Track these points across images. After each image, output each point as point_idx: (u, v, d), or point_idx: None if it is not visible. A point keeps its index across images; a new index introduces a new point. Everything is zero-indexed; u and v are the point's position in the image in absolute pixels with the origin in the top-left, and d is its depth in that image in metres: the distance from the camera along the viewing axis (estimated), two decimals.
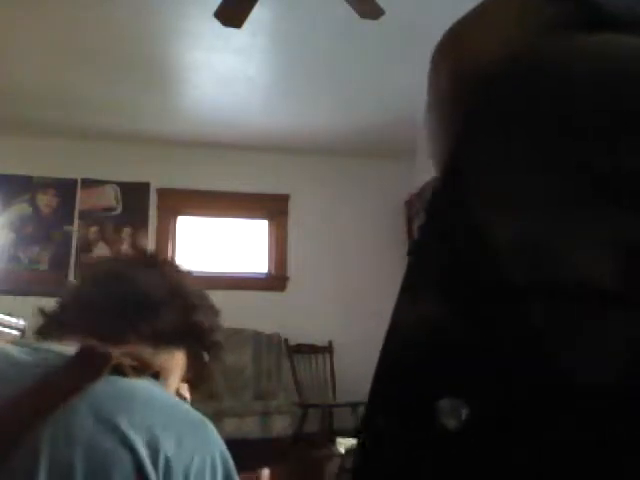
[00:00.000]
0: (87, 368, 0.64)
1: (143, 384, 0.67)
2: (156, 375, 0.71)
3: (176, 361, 0.83)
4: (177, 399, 0.71)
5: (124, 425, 0.60)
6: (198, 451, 0.63)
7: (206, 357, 0.87)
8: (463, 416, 0.23)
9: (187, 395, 0.90)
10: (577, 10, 0.28)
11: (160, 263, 0.88)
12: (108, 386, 0.64)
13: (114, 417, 0.61)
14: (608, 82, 0.25)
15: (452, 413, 0.23)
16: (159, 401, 0.66)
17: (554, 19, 0.29)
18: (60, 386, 0.63)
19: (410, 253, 0.27)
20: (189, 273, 0.91)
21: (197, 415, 0.68)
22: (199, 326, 0.84)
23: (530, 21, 0.30)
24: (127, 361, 0.67)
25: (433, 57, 0.35)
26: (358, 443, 0.26)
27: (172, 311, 0.81)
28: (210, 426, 0.68)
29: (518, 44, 0.28)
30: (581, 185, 0.24)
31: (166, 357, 0.80)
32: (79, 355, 0.66)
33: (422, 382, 0.25)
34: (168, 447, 0.61)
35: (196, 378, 0.86)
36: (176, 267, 0.89)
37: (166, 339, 0.80)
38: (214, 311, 0.90)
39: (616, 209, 0.23)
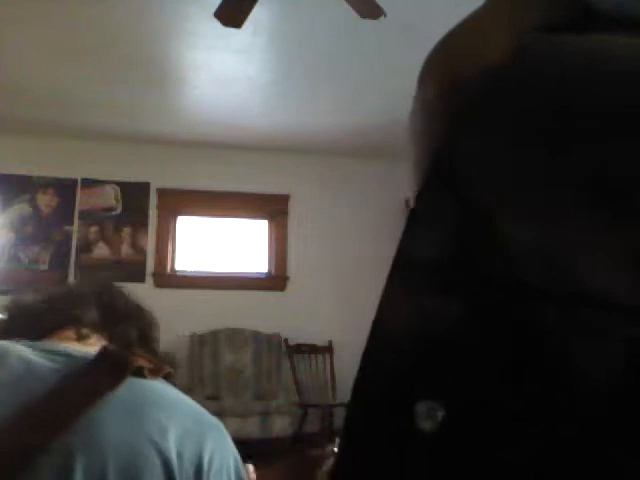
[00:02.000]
0: (109, 371, 0.65)
1: (162, 387, 0.68)
2: (167, 376, 0.72)
3: None
4: (191, 400, 0.72)
5: (151, 427, 0.61)
6: (216, 456, 0.65)
7: None
8: (439, 418, 0.23)
9: None
10: (566, 11, 0.28)
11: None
12: (130, 389, 0.64)
13: (140, 419, 0.62)
14: (604, 82, 0.25)
15: (428, 415, 0.23)
16: (180, 404, 0.68)
17: (545, 21, 0.29)
18: (84, 390, 0.63)
19: (401, 243, 0.27)
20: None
21: (213, 419, 0.69)
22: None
23: (522, 23, 0.30)
24: (145, 363, 0.68)
25: (423, 68, 0.35)
26: (339, 445, 0.26)
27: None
28: (225, 430, 0.69)
29: (511, 46, 0.28)
30: (581, 189, 0.24)
31: None
32: (99, 358, 0.66)
33: (403, 383, 0.25)
34: (193, 448, 0.63)
35: None
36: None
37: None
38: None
39: (617, 217, 0.23)
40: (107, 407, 0.61)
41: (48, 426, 0.59)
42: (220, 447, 0.66)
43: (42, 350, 0.69)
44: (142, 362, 0.67)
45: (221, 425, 0.69)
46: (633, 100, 0.24)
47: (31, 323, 0.77)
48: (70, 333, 0.75)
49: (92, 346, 0.72)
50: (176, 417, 0.64)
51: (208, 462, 0.63)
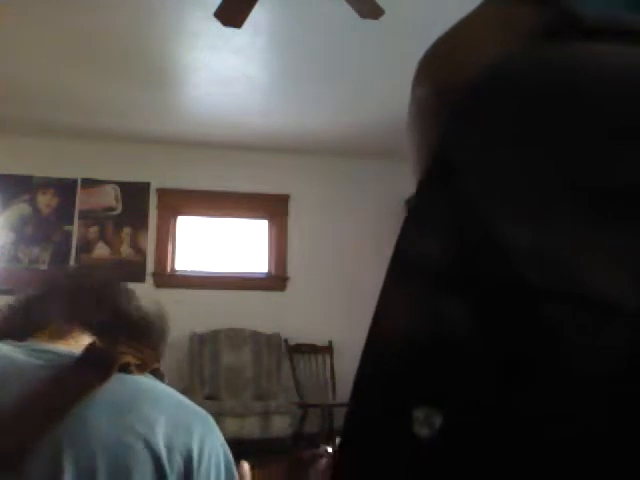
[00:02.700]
0: (95, 368, 0.65)
1: (149, 381, 0.69)
2: (155, 371, 0.73)
3: None
4: (178, 393, 0.72)
5: (138, 421, 0.62)
6: (206, 444, 0.65)
7: None
8: (436, 425, 0.22)
9: None
10: (557, 21, 0.29)
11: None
12: (118, 385, 0.65)
13: (128, 414, 0.62)
14: (602, 89, 0.25)
15: (425, 422, 0.23)
16: (168, 398, 0.68)
17: (536, 30, 0.29)
18: (71, 387, 0.63)
19: (398, 244, 0.27)
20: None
21: (201, 410, 0.70)
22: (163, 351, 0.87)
23: (512, 33, 0.30)
24: (132, 359, 0.68)
25: (417, 70, 0.35)
26: (338, 448, 0.26)
27: (155, 328, 0.84)
28: (212, 420, 0.70)
29: (501, 55, 0.28)
30: (581, 190, 0.24)
31: None
32: (86, 355, 0.67)
33: (401, 389, 0.24)
34: (182, 442, 0.63)
35: None
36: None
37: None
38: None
39: (616, 218, 0.23)
40: (94, 404, 0.62)
41: (35, 424, 0.59)
42: (208, 437, 0.67)
43: (28, 348, 0.69)
44: (129, 358, 0.68)
45: (208, 416, 0.70)
46: (629, 105, 0.24)
47: (20, 322, 0.77)
48: (56, 331, 0.75)
49: (78, 343, 0.72)
50: (163, 410, 0.65)
51: (198, 453, 0.64)
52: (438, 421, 0.22)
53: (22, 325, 0.77)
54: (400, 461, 0.23)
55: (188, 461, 0.63)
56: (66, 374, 0.65)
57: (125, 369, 0.67)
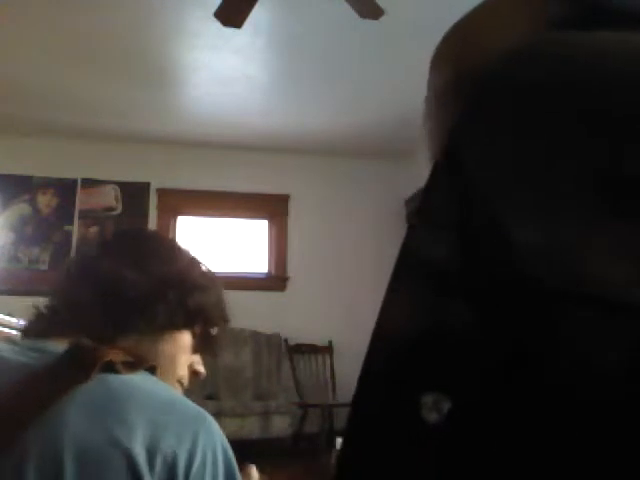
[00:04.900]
0: (77, 367, 0.62)
1: (138, 381, 0.66)
2: (152, 369, 0.70)
3: (179, 344, 0.80)
4: (174, 393, 0.69)
5: (116, 425, 0.59)
6: (199, 445, 0.62)
7: (214, 331, 0.84)
8: (445, 410, 0.23)
9: (201, 369, 0.88)
10: (578, 8, 0.28)
11: (148, 241, 0.84)
12: (99, 385, 0.62)
13: (105, 417, 0.60)
14: (607, 80, 0.25)
15: (434, 407, 0.23)
16: (155, 397, 0.65)
17: (557, 17, 0.29)
18: (48, 386, 0.61)
19: (406, 241, 0.27)
20: (179, 247, 0.86)
21: (195, 408, 0.66)
22: (199, 308, 0.81)
23: (533, 19, 0.30)
24: (119, 357, 0.65)
25: (436, 52, 0.35)
26: (345, 435, 0.26)
27: (167, 303, 0.76)
28: (209, 418, 0.66)
29: (520, 41, 0.28)
30: (583, 189, 0.24)
31: (167, 344, 0.78)
32: (68, 354, 0.64)
33: (409, 376, 0.25)
34: (167, 444, 0.60)
35: (205, 350, 0.85)
36: (166, 244, 0.87)
37: (165, 328, 0.77)
38: (211, 283, 0.85)
39: (619, 216, 0.23)
40: (69, 404, 0.59)
41: (8, 419, 0.58)
42: (202, 437, 0.63)
43: (24, 347, 0.68)
44: (115, 356, 0.64)
45: (206, 415, 0.66)
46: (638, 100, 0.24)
47: (44, 325, 0.76)
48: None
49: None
50: (147, 411, 0.62)
51: (188, 454, 0.61)
52: (447, 406, 0.23)
53: (45, 327, 0.74)
54: (408, 445, 0.24)
55: (174, 463, 0.60)
56: (44, 372, 0.62)
57: (111, 368, 0.64)
